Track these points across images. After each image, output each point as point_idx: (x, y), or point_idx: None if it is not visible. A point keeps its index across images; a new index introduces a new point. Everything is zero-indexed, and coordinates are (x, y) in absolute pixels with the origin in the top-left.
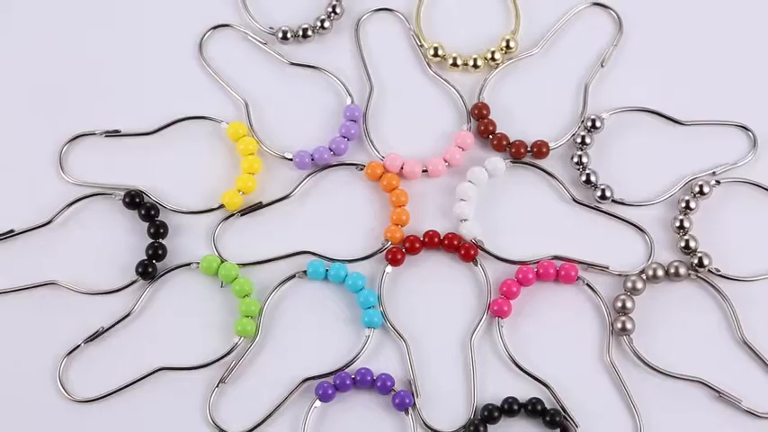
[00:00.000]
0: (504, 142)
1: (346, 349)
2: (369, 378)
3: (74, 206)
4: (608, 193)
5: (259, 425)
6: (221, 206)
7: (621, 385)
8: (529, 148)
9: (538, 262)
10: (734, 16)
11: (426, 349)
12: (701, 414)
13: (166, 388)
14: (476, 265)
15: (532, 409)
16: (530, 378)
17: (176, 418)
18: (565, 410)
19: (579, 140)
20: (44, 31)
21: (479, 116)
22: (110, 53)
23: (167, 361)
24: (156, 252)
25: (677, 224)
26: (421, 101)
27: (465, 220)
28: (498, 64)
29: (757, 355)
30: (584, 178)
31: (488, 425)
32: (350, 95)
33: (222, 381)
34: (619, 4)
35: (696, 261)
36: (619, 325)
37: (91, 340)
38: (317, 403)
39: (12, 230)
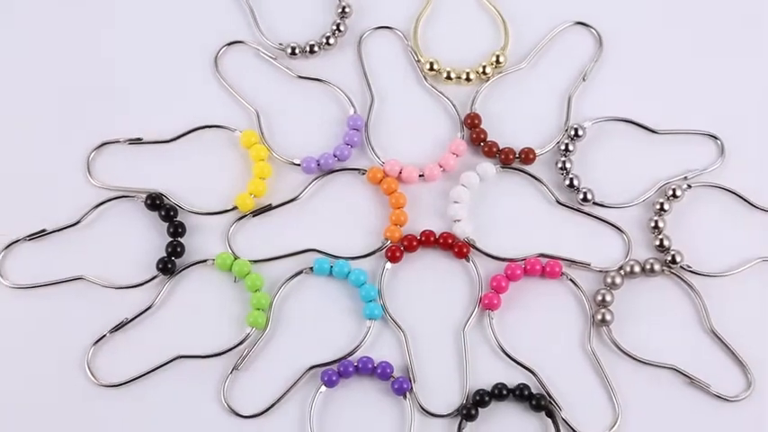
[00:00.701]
0: (495, 149)
1: (349, 339)
2: (370, 366)
3: (100, 208)
4: (589, 196)
5: (269, 408)
6: (235, 208)
7: (601, 372)
8: (517, 155)
9: (525, 259)
10: (704, 35)
11: (423, 339)
12: (674, 398)
13: (184, 374)
14: (468, 261)
15: (520, 393)
16: (517, 365)
17: (194, 402)
18: (549, 395)
19: (563, 148)
20: (74, 50)
21: (472, 125)
22: (134, 68)
23: (185, 349)
24: (175, 250)
25: (652, 224)
26: (418, 111)
27: (458, 220)
28: (489, 77)
29: (725, 343)
30: (567, 182)
31: (480, 408)
32: (353, 106)
33: (236, 368)
34: (599, 23)
35: (669, 258)
36: (599, 317)
37: (116, 330)
38: (323, 389)
39: (44, 230)
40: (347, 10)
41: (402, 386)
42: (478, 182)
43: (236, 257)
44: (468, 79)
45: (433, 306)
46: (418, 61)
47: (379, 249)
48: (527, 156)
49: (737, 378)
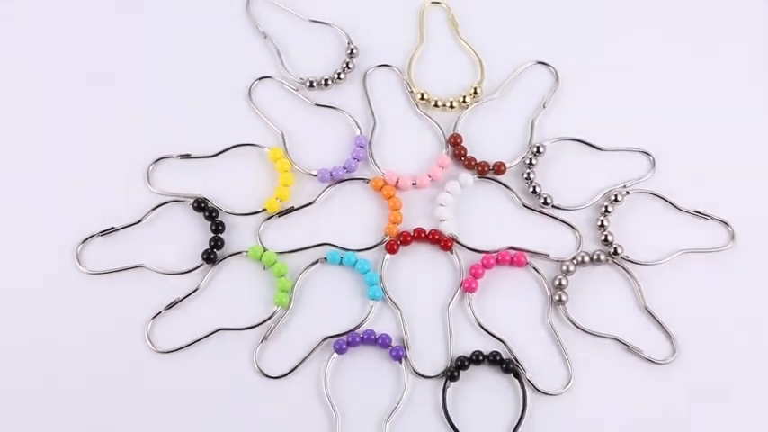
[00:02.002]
0: (473, 163)
1: (356, 315)
2: (372, 337)
3: (157, 210)
4: (549, 201)
5: (292, 371)
6: (264, 210)
7: (558, 342)
8: (491, 167)
9: (497, 251)
10: (639, 72)
11: (415, 315)
12: (615, 362)
13: (224, 343)
14: (452, 253)
15: (493, 359)
16: (491, 336)
17: (231, 365)
18: (517, 360)
19: (528, 162)
20: (139, 84)
21: (454, 143)
22: (185, 98)
23: (225, 323)
24: (217, 243)
25: (599, 223)
26: (411, 132)
27: (444, 220)
28: (468, 105)
29: (655, 318)
30: (531, 189)
31: (461, 371)
32: (359, 128)
33: (265, 338)
34: (556, 63)
35: (612, 250)
36: (556, 297)
37: (169, 308)
38: (335, 355)
39: (112, 227)
40: (354, 51)
41: (398, 353)
42: (460, 189)
43: (265, 249)
44: (451, 107)
45: (423, 289)
46: (411, 92)
47: (380, 243)
48: (499, 168)
49: (664, 345)
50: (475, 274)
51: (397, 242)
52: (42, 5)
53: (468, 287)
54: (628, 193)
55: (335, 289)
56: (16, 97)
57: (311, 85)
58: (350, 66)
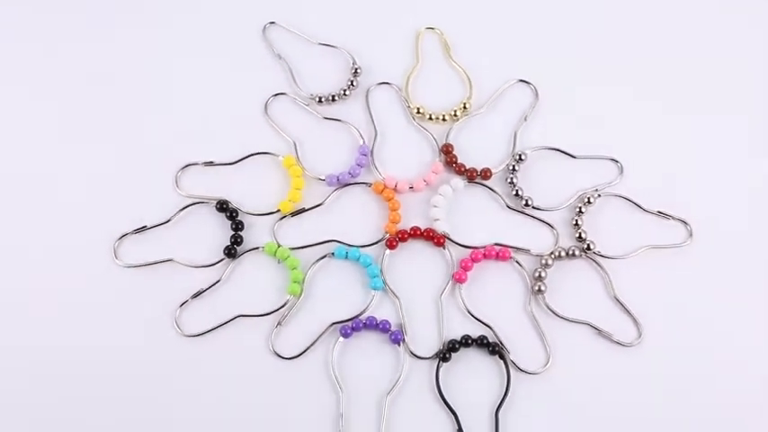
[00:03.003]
0: (463, 169)
1: (359, 304)
2: (374, 323)
3: (184, 210)
4: (530, 202)
5: (303, 352)
6: (278, 210)
7: (538, 327)
8: (478, 173)
9: (485, 247)
10: (608, 89)
11: (412, 304)
12: (588, 344)
13: (243, 328)
14: (444, 249)
15: (480, 342)
16: (479, 322)
17: (249, 348)
18: (501, 343)
19: (511, 168)
20: (168, 101)
21: (446, 152)
22: (210, 112)
23: (243, 310)
24: (237, 240)
25: (574, 222)
26: (408, 142)
27: (437, 219)
28: (459, 118)
29: (623, 306)
30: (514, 192)
31: (452, 353)
32: (362, 138)
33: (279, 324)
34: (535, 81)
35: (586, 246)
36: (536, 288)
37: (195, 297)
38: (340, 339)
39: (145, 226)
40: (358, 71)
41: (397, 337)
42: (451, 192)
43: (279, 245)
44: (444, 119)
45: (419, 281)
46: (408, 107)
47: (381, 240)
48: (486, 174)
49: (631, 330)
50: (465, 267)
51: (395, 239)
52: (83, 34)
53: (458, 279)
54: (599, 195)
55: (341, 280)
56: (67, 115)
57: (320, 101)
58: (354, 83)
